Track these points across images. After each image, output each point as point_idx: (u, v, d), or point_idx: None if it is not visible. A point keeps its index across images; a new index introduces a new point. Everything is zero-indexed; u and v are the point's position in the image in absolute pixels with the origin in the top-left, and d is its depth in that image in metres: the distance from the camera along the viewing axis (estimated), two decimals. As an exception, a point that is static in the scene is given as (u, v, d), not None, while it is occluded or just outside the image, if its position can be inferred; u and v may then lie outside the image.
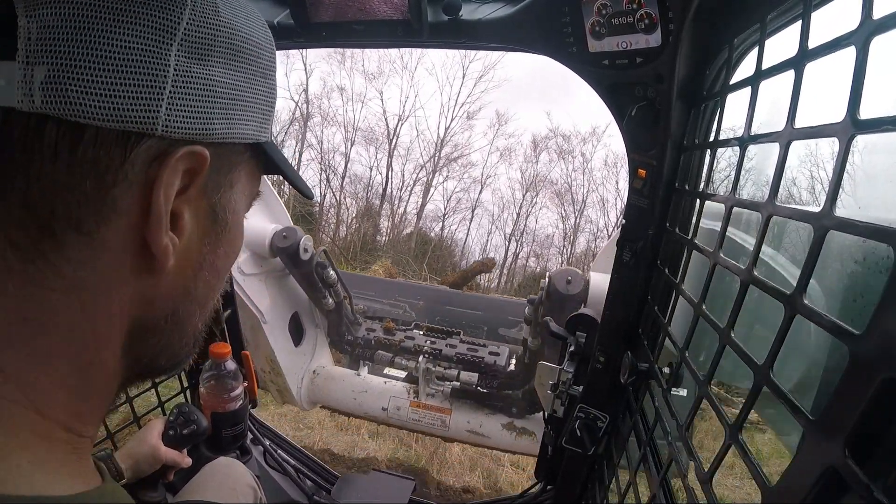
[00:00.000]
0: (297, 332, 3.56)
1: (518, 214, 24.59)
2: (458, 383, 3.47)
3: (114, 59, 0.52)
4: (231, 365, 2.10)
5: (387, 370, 3.83)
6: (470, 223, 25.11)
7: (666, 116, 1.39)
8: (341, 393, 3.67)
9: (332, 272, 3.27)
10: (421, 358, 3.47)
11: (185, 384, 2.47)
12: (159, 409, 2.23)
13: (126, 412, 2.15)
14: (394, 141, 24.36)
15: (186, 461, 1.77)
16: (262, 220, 3.12)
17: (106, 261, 0.55)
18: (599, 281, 2.66)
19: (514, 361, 3.51)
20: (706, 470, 1.03)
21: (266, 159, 0.74)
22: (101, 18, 0.52)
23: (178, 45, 0.56)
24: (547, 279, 2.76)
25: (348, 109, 24.13)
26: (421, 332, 3.67)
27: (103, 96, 0.51)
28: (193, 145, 0.58)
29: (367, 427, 5.07)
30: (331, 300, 3.38)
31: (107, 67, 0.52)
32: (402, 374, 3.79)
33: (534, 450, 3.23)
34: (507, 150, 25.17)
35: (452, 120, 24.65)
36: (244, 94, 0.65)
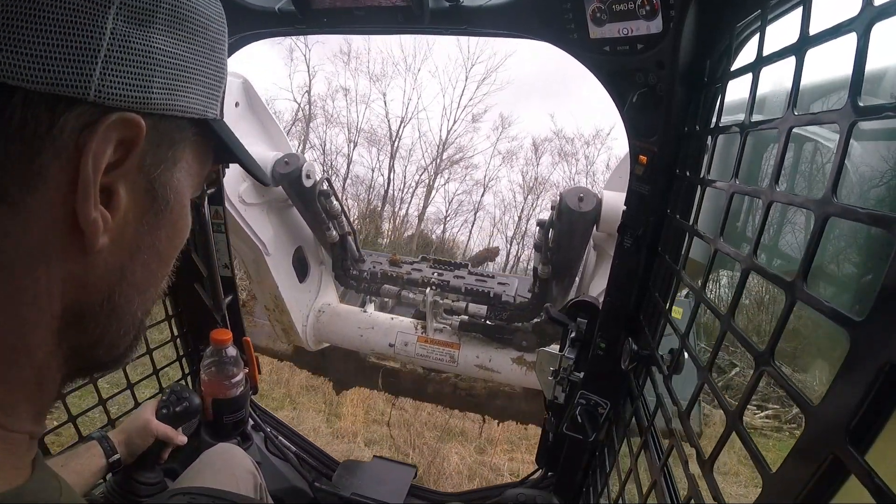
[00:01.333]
0: (301, 269, 3.52)
1: (519, 217, 24.58)
2: (467, 317, 3.44)
3: (46, 18, 0.50)
4: (232, 351, 2.11)
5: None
6: (472, 226, 25.11)
7: (667, 103, 1.39)
8: (348, 330, 3.66)
9: (335, 202, 3.21)
10: (428, 290, 3.44)
11: (187, 370, 2.48)
12: (160, 395, 2.24)
13: (126, 397, 2.16)
14: (396, 143, 24.35)
15: (180, 438, 1.79)
16: (264, 148, 3.06)
17: (33, 235, 0.52)
18: (612, 199, 2.59)
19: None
20: (707, 456, 1.04)
21: (216, 140, 0.71)
22: None
23: (117, 7, 0.54)
24: (558, 197, 2.65)
25: (352, 111, 24.11)
26: (428, 265, 3.64)
27: (33, 57, 0.49)
28: (127, 112, 0.54)
29: (363, 435, 5.08)
30: (334, 232, 3.31)
31: (39, 27, 0.50)
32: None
33: None
34: (510, 153, 25.14)
35: (455, 122, 24.63)
36: (188, 66, 0.62)
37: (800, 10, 0.92)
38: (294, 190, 3.01)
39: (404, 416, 8.21)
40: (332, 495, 2.46)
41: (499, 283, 3.42)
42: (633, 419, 1.56)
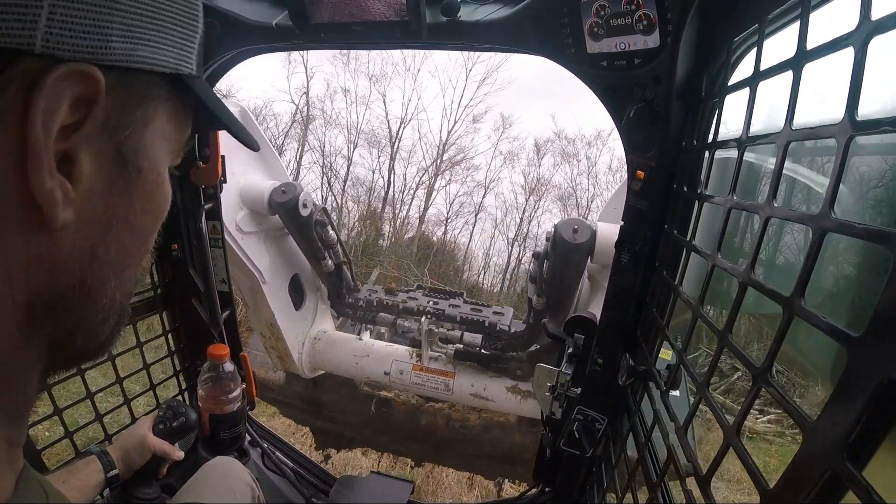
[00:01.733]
0: (297, 296, 3.53)
1: (521, 219, 24.55)
2: (462, 346, 3.43)
3: None
4: (229, 366, 2.10)
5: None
6: (473, 227, 25.06)
7: (664, 118, 1.39)
8: (343, 357, 3.65)
9: (331, 232, 3.22)
10: (423, 319, 3.43)
11: (184, 385, 2.47)
12: (157, 410, 2.23)
13: (123, 414, 2.15)
14: (396, 144, 24.33)
15: (178, 454, 1.78)
16: (261, 177, 3.07)
17: None
18: (607, 231, 2.59)
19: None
20: (704, 472, 1.03)
21: (195, 100, 0.64)
22: None
23: None
24: (552, 229, 2.66)
25: (352, 112, 24.11)
26: (423, 293, 3.63)
27: None
28: (80, 63, 0.47)
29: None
30: (330, 262, 3.33)
31: None
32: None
33: (539, 413, 3.31)
34: (511, 154, 25.12)
35: (455, 123, 24.62)
36: (153, 11, 0.54)
37: (797, 24, 0.92)
38: (290, 219, 3.03)
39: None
40: (330, 511, 2.46)
41: (494, 313, 3.43)
42: (631, 434, 1.55)
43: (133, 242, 0.59)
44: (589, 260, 2.66)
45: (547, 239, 2.72)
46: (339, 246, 3.35)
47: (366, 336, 3.84)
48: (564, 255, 2.62)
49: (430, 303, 3.50)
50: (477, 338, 3.37)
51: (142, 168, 0.57)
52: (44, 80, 0.45)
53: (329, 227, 3.19)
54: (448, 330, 3.44)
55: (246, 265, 2.93)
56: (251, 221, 2.95)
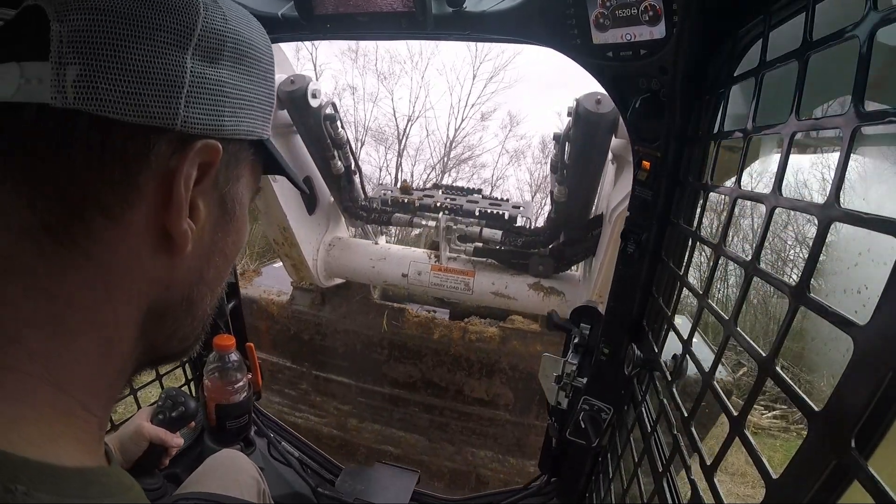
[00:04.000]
0: (309, 201, 3.41)
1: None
2: (481, 244, 3.34)
3: (138, 60, 0.58)
4: (235, 356, 2.11)
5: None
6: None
7: (670, 108, 1.39)
8: (359, 262, 3.57)
9: (341, 130, 3.05)
10: (441, 215, 3.32)
11: (190, 376, 2.48)
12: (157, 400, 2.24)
13: (129, 404, 2.16)
14: (404, 141, 24.20)
15: (176, 440, 1.77)
16: None
17: (129, 243, 0.60)
18: None
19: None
20: (710, 463, 1.03)
21: (266, 155, 0.79)
22: (126, 24, 0.57)
23: (193, 49, 0.62)
24: (574, 103, 2.46)
25: (359, 109, 23.96)
26: (440, 191, 3.47)
27: (130, 94, 0.57)
28: (208, 139, 0.63)
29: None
30: (340, 163, 3.17)
31: (133, 68, 0.57)
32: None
33: (564, 311, 3.06)
34: (518, 152, 24.92)
35: (463, 120, 24.50)
36: (249, 95, 0.70)
37: (803, 15, 0.92)
38: (299, 112, 2.86)
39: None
40: (336, 501, 2.46)
41: (513, 207, 3.28)
42: (637, 425, 1.56)
43: (224, 267, 0.75)
44: (613, 136, 2.46)
45: (569, 114, 2.54)
46: (348, 148, 3.19)
47: (382, 241, 3.74)
48: (587, 130, 2.45)
49: (448, 199, 3.36)
50: (497, 234, 3.25)
51: (235, 212, 0.73)
52: (187, 151, 0.61)
53: (339, 124, 3.03)
54: (466, 226, 3.32)
55: None
56: None
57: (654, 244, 1.56)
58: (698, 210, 1.38)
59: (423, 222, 3.40)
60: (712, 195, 1.31)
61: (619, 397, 1.73)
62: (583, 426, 1.76)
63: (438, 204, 3.32)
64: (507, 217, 3.22)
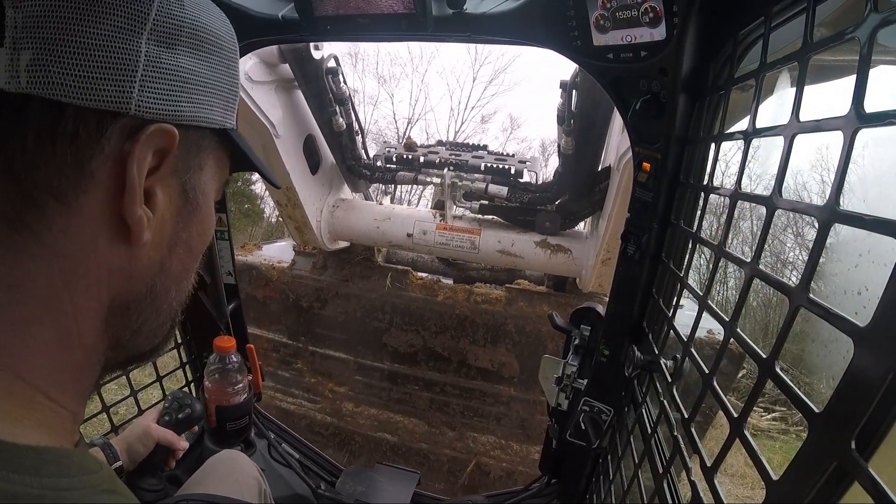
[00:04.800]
0: (312, 160, 3.30)
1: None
2: (487, 201, 3.26)
3: (92, 44, 0.59)
4: (235, 358, 2.11)
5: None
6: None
7: (670, 110, 1.39)
8: (363, 223, 3.48)
9: (343, 85, 2.98)
10: (446, 171, 3.23)
11: (190, 377, 2.49)
12: (163, 401, 2.24)
13: (130, 405, 2.17)
14: (403, 142, 24.02)
15: (182, 444, 1.78)
16: None
17: (84, 230, 0.61)
18: None
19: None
20: (710, 464, 1.03)
21: (232, 146, 0.80)
22: (80, 9, 0.58)
23: (148, 34, 0.63)
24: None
25: (359, 112, 23.85)
26: (445, 148, 3.38)
27: (82, 78, 0.58)
28: (163, 123, 0.63)
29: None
30: (342, 119, 3.09)
31: (85, 52, 0.58)
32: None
33: (571, 269, 3.16)
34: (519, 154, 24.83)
35: (463, 123, 24.46)
36: (208, 81, 0.71)
37: (803, 17, 0.92)
38: (300, 65, 2.77)
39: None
40: (336, 502, 2.46)
41: (519, 162, 3.19)
42: (637, 426, 1.56)
43: (189, 260, 0.76)
44: None
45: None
46: (350, 105, 3.12)
47: (386, 201, 3.67)
48: None
49: (452, 155, 3.28)
50: (503, 190, 3.15)
51: (198, 202, 0.73)
52: (139, 135, 0.61)
53: (341, 78, 2.96)
54: (472, 182, 3.22)
55: (257, 118, 2.71)
56: (261, 70, 2.71)
57: (655, 246, 1.56)
58: (699, 211, 1.38)
59: (428, 179, 3.33)
60: (712, 196, 1.31)
61: (620, 399, 1.73)
62: (583, 427, 1.76)
63: (443, 160, 3.26)
64: (513, 172, 3.16)
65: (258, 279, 3.97)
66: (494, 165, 3.17)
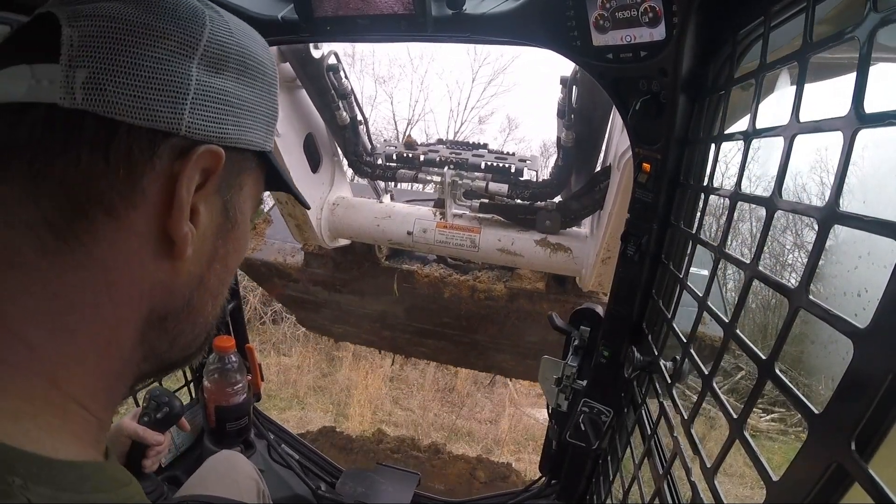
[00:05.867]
0: (312, 158, 3.30)
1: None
2: (487, 199, 3.25)
3: (146, 66, 0.60)
4: (235, 358, 2.11)
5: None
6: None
7: (670, 110, 1.39)
8: (363, 221, 3.47)
9: (345, 80, 2.96)
10: (446, 169, 3.22)
11: (189, 377, 2.48)
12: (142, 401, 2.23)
13: (130, 405, 2.16)
14: (403, 141, 24.01)
15: (155, 438, 1.70)
16: None
17: (131, 244, 0.62)
18: None
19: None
20: (710, 465, 1.03)
21: (269, 167, 0.81)
22: (135, 32, 0.60)
23: (199, 59, 0.65)
24: None
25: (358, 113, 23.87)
26: (445, 147, 3.35)
27: (137, 98, 0.59)
28: (211, 145, 0.65)
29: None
30: (344, 113, 3.06)
31: (140, 74, 0.60)
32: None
33: (571, 268, 3.16)
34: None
35: (462, 124, 24.43)
36: (251, 106, 0.73)
37: (803, 16, 0.92)
38: (301, 64, 2.78)
39: (412, 417, 8.20)
40: (336, 503, 2.45)
41: (520, 160, 3.16)
42: (637, 427, 1.56)
43: (225, 275, 0.76)
44: None
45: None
46: (353, 98, 3.09)
47: (386, 199, 3.64)
48: None
49: (452, 154, 3.25)
50: (503, 188, 3.15)
51: (237, 220, 0.75)
52: (190, 155, 0.63)
53: (342, 74, 2.93)
54: (472, 181, 3.21)
55: None
56: None
57: (655, 246, 1.56)
58: (698, 212, 1.38)
59: (429, 178, 3.33)
60: (712, 197, 1.31)
61: (619, 400, 1.73)
62: (583, 428, 1.76)
63: (443, 158, 3.24)
64: (513, 170, 3.14)
65: (277, 273, 4.09)
66: (495, 164, 3.16)
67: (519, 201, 3.16)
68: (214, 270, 0.73)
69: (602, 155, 2.85)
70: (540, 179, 3.13)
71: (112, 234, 0.60)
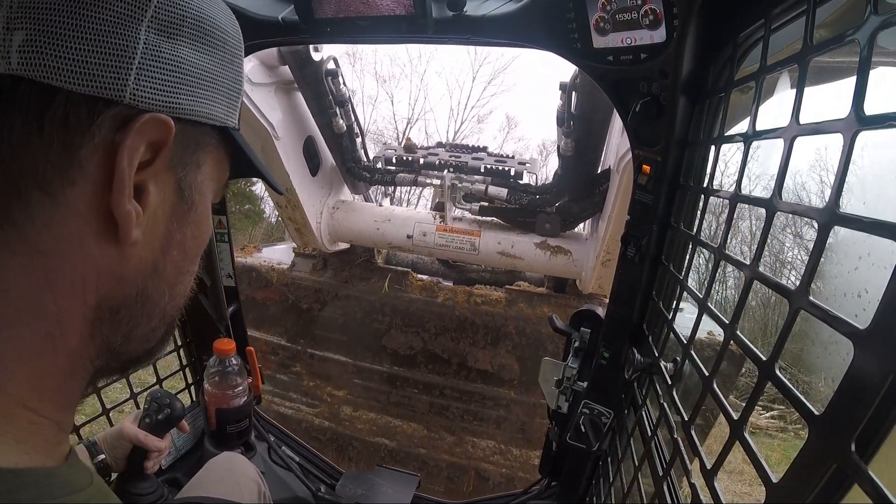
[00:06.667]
0: (312, 161, 3.28)
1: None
2: (487, 202, 3.24)
3: (88, 29, 0.56)
4: (235, 360, 2.11)
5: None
6: (479, 226, 24.81)
7: (670, 112, 1.39)
8: (363, 224, 3.46)
9: (343, 86, 2.97)
10: (446, 172, 3.21)
11: (190, 380, 2.48)
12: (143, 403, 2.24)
13: (130, 407, 2.16)
14: (403, 144, 23.99)
15: (156, 444, 1.71)
16: None
17: (70, 225, 0.57)
18: None
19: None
20: (710, 466, 1.03)
21: (234, 147, 0.77)
22: None
23: (149, 21, 0.60)
24: None
25: (358, 112, 23.82)
26: (445, 150, 3.36)
27: (76, 62, 0.55)
28: (158, 114, 0.60)
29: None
30: (342, 121, 3.06)
31: (81, 36, 0.56)
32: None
33: (571, 270, 3.16)
34: (517, 154, 24.80)
35: (462, 123, 24.42)
36: (210, 76, 0.68)
37: (803, 19, 0.92)
38: (300, 67, 2.76)
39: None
40: (336, 505, 2.45)
41: (519, 163, 3.18)
42: (637, 429, 1.56)
43: (184, 263, 0.72)
44: None
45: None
46: (350, 106, 3.10)
47: (386, 203, 3.66)
48: None
49: (452, 157, 3.25)
50: (503, 192, 3.14)
51: (194, 201, 0.70)
52: (132, 124, 0.58)
53: (341, 80, 2.95)
54: (472, 184, 3.22)
55: (257, 120, 2.68)
56: (261, 72, 2.70)
57: (655, 248, 1.56)
58: (698, 214, 1.38)
59: (428, 181, 3.32)
60: (712, 197, 1.32)
61: (620, 401, 1.73)
62: (583, 430, 1.76)
63: (443, 161, 3.24)
64: (512, 173, 3.15)
65: (258, 281, 3.96)
66: (494, 167, 3.17)
67: (518, 205, 3.15)
68: (171, 257, 0.69)
69: (602, 158, 2.84)
70: (539, 183, 3.14)
71: (48, 214, 0.56)
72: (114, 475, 1.68)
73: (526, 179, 3.16)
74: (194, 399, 2.49)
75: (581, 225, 3.29)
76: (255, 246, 4.40)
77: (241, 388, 2.12)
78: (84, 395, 0.69)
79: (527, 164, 3.18)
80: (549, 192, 3.09)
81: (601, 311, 1.87)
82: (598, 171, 2.84)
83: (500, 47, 1.65)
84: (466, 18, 1.57)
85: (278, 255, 4.20)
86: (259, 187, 17.74)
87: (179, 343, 2.41)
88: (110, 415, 2.06)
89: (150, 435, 1.70)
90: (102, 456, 1.63)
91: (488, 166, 3.18)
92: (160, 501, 1.74)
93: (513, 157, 3.24)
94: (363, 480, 2.61)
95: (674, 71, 1.32)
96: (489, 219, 3.34)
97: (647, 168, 1.49)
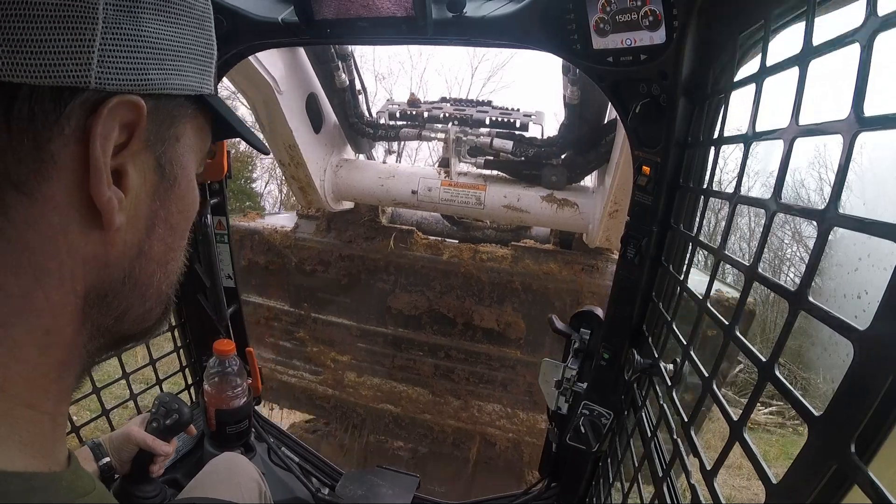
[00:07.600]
0: (315, 118, 3.22)
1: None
2: (492, 156, 3.22)
3: (40, 15, 0.52)
4: (235, 361, 2.11)
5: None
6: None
7: (670, 113, 1.39)
8: (368, 181, 3.44)
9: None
10: (450, 125, 3.16)
11: (190, 381, 2.48)
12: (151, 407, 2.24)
13: (130, 409, 2.16)
14: (402, 142, 24.02)
15: (163, 448, 1.71)
16: None
17: (52, 220, 0.56)
18: None
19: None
20: (710, 467, 1.03)
21: (213, 114, 0.74)
22: None
23: None
24: None
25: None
26: (449, 104, 3.32)
27: (33, 54, 0.52)
28: (126, 95, 0.57)
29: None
30: (344, 75, 3.04)
31: (34, 25, 0.52)
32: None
33: (578, 223, 3.13)
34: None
35: (461, 121, 24.33)
36: (179, 45, 0.65)
37: (803, 20, 0.92)
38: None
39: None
40: (335, 506, 2.45)
41: (524, 115, 3.13)
42: (637, 430, 1.56)
43: (172, 239, 0.70)
44: None
45: None
46: (352, 61, 3.08)
47: (391, 160, 3.64)
48: None
49: (456, 110, 3.21)
50: (508, 144, 3.11)
51: (176, 176, 0.68)
52: (100, 110, 0.55)
53: None
54: (476, 137, 3.18)
55: (259, 74, 2.64)
56: None
57: (655, 249, 1.56)
58: (698, 214, 1.39)
59: (432, 135, 3.29)
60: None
61: (620, 402, 1.73)
62: (583, 431, 1.76)
63: (447, 114, 3.20)
64: (518, 125, 3.11)
65: (260, 245, 3.94)
66: (499, 119, 3.13)
67: (524, 158, 3.12)
68: (157, 235, 0.67)
69: (608, 106, 2.81)
70: (545, 136, 3.10)
71: (27, 212, 0.54)
72: (116, 476, 1.68)
73: (532, 132, 3.14)
74: (194, 400, 2.50)
75: (588, 178, 3.27)
76: (259, 213, 4.37)
77: (240, 388, 2.12)
78: (81, 379, 0.67)
79: (532, 116, 3.15)
80: (555, 144, 3.07)
81: (601, 312, 1.88)
82: (605, 122, 2.84)
83: (499, 48, 1.65)
84: (466, 20, 1.57)
85: (281, 221, 4.16)
86: (259, 185, 17.76)
87: (179, 344, 2.41)
88: (110, 415, 2.06)
89: (157, 439, 1.69)
90: (108, 458, 1.62)
91: (493, 118, 3.14)
92: (162, 503, 1.74)
93: (518, 109, 3.21)
94: (363, 481, 2.61)
95: (674, 72, 1.32)
96: (494, 173, 3.33)
97: (647, 169, 1.49)
